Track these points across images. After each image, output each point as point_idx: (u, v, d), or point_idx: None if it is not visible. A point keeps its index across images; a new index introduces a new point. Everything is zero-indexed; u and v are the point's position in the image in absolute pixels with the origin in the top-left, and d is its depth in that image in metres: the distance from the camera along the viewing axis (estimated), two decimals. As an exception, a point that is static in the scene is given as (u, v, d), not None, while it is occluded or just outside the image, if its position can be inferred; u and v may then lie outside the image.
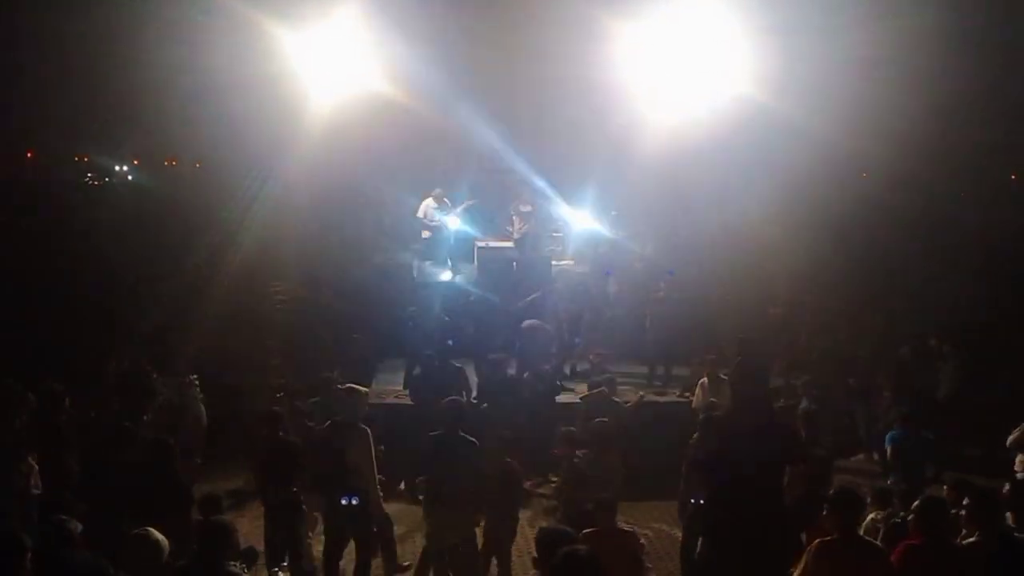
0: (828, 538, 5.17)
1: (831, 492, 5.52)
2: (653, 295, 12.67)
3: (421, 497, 7.19)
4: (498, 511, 7.27)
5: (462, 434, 6.92)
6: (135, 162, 32.94)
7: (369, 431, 7.09)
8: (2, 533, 4.82)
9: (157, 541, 4.97)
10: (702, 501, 8.39)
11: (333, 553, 7.18)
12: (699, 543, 6.59)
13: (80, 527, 5.27)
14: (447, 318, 12.06)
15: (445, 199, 15.64)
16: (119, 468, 6.85)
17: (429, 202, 15.49)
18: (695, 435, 8.55)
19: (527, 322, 11.76)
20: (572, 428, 8.40)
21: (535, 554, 4.71)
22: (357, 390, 7.29)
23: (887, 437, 8.76)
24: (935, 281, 13.88)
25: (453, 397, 7.49)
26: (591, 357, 11.40)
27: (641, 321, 12.67)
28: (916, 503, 5.47)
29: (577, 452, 7.91)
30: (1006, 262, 15.12)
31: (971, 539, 5.52)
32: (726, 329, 12.65)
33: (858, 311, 13.04)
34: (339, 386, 7.52)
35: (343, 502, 7.12)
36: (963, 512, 5.93)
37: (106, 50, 17.33)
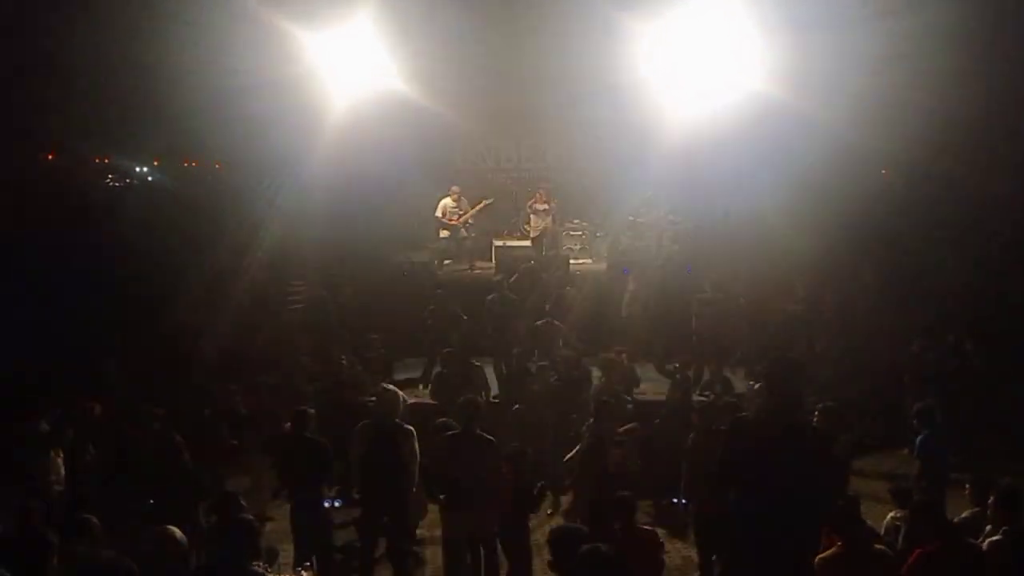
0: (834, 551, 5.14)
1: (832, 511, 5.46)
2: (698, 296, 12.60)
3: (442, 496, 7.15)
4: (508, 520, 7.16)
5: (479, 432, 6.90)
6: (155, 163, 33.11)
7: (413, 431, 7.12)
8: (29, 531, 4.89)
9: (177, 537, 5.01)
10: (683, 501, 8.31)
11: (367, 548, 7.20)
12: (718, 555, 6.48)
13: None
14: (465, 316, 12.11)
15: (463, 197, 15.68)
16: (132, 465, 6.92)
17: (447, 201, 15.53)
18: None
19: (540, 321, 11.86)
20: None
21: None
22: (396, 391, 7.29)
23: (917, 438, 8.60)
24: (959, 278, 13.72)
25: (470, 396, 7.48)
26: (613, 355, 11.40)
27: (683, 322, 12.67)
28: (913, 507, 5.44)
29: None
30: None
31: (995, 537, 5.49)
32: (746, 328, 12.64)
33: (878, 308, 12.93)
34: (383, 386, 7.50)
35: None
36: (980, 509, 5.91)
37: (126, 51, 17.43)
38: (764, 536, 4.82)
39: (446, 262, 15.74)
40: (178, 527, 5.09)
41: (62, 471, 7.31)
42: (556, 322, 11.92)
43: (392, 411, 7.15)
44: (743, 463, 4.99)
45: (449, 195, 15.59)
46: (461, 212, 15.51)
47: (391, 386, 7.45)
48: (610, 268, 14.70)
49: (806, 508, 4.79)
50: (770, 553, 4.82)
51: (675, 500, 8.73)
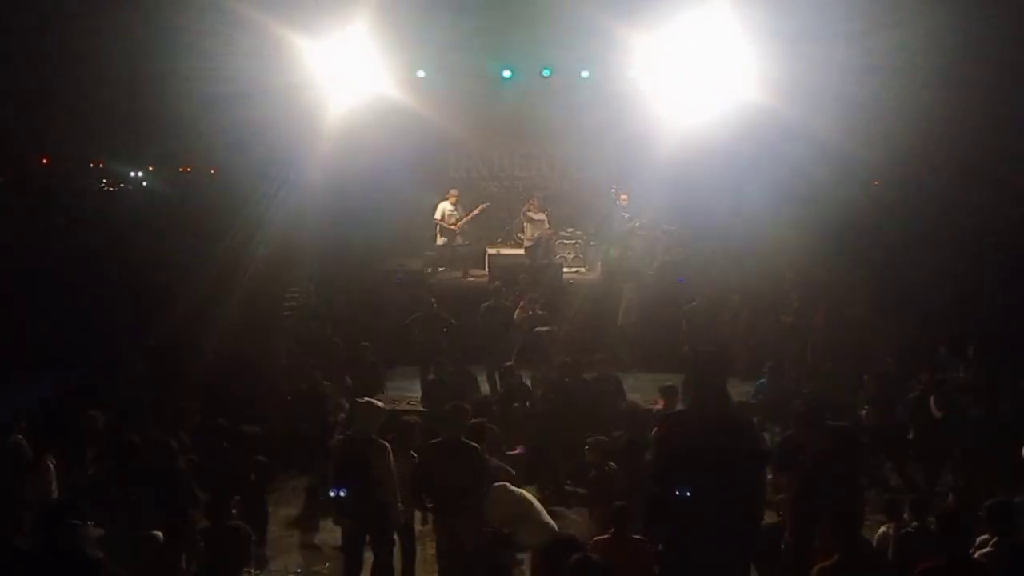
0: (831, 562, 5.13)
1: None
2: (687, 306, 12.59)
3: (430, 505, 6.99)
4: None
5: (464, 440, 6.76)
6: (150, 168, 33.10)
7: (388, 445, 6.91)
8: (74, 553, 4.69)
9: (159, 540, 4.99)
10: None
11: (351, 566, 7.10)
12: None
13: (96, 532, 5.31)
14: (452, 321, 12.09)
15: (460, 202, 15.70)
16: (127, 473, 6.88)
17: (446, 204, 15.54)
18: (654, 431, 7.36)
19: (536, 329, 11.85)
20: (604, 438, 8.05)
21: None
22: (371, 404, 7.17)
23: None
24: (949, 288, 13.75)
25: (456, 402, 7.39)
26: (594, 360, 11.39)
27: (672, 330, 12.67)
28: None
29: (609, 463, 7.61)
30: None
31: (986, 549, 5.49)
32: (739, 338, 12.64)
33: (871, 319, 12.94)
34: (357, 400, 7.34)
35: (331, 494, 7.04)
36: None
37: (122, 57, 17.46)
38: (699, 525, 4.91)
39: (440, 269, 15.74)
40: (170, 533, 5.09)
41: (53, 482, 7.27)
42: (553, 329, 11.94)
43: (367, 426, 6.89)
44: (676, 457, 5.08)
45: (448, 198, 15.62)
46: (459, 216, 15.52)
47: (367, 399, 7.23)
48: (604, 277, 14.72)
49: (737, 497, 4.87)
50: (705, 541, 4.91)
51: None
